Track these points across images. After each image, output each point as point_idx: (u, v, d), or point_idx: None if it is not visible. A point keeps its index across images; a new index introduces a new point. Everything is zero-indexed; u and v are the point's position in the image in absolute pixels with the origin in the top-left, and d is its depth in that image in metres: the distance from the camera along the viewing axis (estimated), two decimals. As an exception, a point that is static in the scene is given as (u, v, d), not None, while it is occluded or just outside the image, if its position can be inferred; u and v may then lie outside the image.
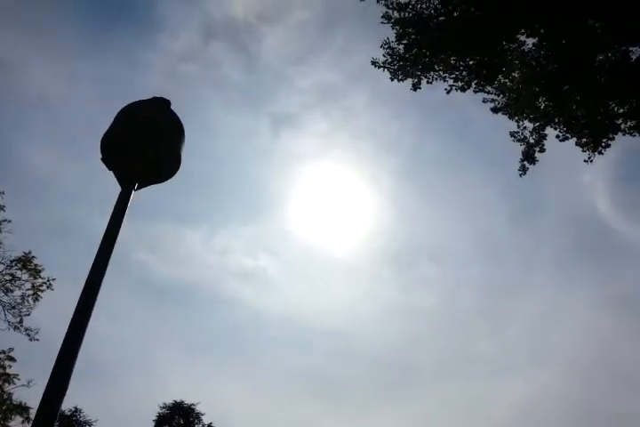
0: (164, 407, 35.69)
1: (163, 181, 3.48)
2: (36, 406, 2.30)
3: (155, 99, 3.68)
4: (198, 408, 35.87)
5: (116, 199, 3.15)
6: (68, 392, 2.24)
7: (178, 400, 35.74)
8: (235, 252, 76.36)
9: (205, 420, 35.87)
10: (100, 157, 3.42)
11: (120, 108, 3.59)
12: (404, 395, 66.11)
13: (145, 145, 3.34)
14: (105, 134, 3.39)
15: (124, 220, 3.09)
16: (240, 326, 71.91)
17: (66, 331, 2.44)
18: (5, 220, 18.34)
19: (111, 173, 3.40)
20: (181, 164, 3.50)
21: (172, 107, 3.67)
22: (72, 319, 2.48)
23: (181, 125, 3.61)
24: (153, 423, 35.22)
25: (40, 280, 18.01)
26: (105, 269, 2.75)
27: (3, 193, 18.45)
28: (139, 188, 3.31)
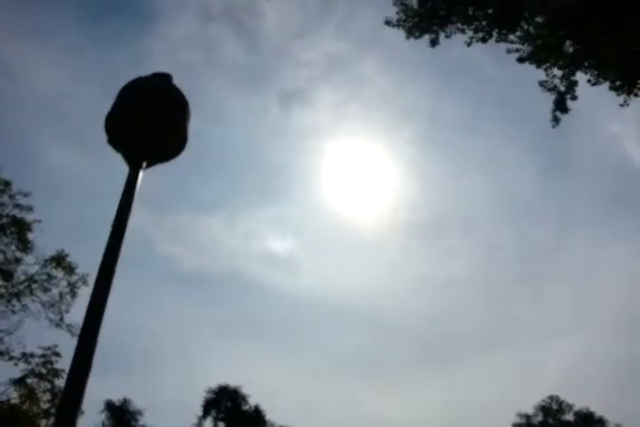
0: (209, 392, 35.60)
1: (171, 159, 3.39)
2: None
3: (155, 74, 3.57)
4: (243, 391, 35.92)
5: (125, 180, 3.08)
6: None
7: (223, 384, 35.70)
8: (258, 236, 76.16)
9: (252, 402, 36.09)
10: (106, 139, 3.35)
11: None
12: (449, 366, 65.92)
13: (149, 121, 3.23)
14: (108, 115, 3.30)
15: (135, 202, 3.02)
16: (274, 309, 72.31)
17: (84, 316, 2.41)
18: (35, 220, 18.18)
19: (119, 155, 3.33)
20: (188, 139, 3.39)
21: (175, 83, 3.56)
22: (89, 303, 2.44)
23: (185, 99, 3.48)
24: (201, 408, 35.52)
25: (75, 277, 18.16)
26: (119, 252, 2.69)
27: (29, 194, 18.19)
28: (147, 166, 3.23)
